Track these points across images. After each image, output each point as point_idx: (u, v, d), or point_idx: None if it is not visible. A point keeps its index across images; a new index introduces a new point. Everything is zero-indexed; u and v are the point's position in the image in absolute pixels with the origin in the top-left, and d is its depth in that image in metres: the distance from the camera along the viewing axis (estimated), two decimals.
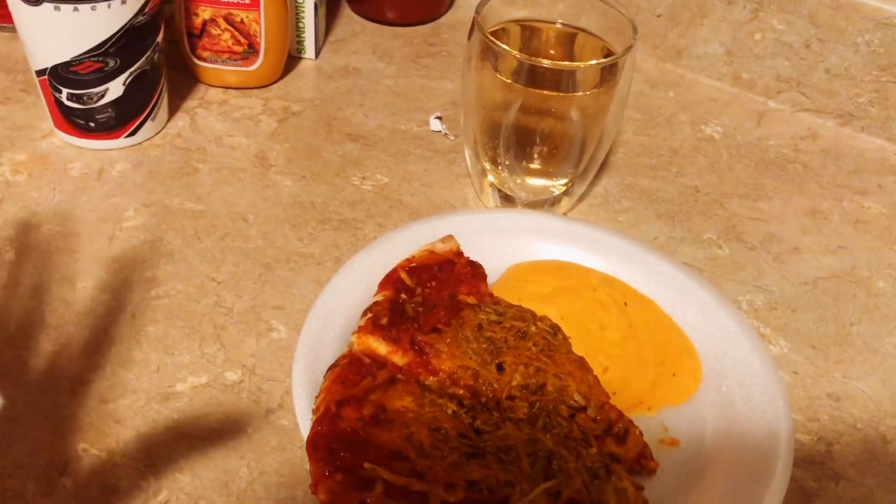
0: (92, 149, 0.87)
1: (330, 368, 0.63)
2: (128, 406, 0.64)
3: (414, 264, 0.72)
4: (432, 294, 0.71)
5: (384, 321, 0.66)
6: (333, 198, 0.85)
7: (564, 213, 0.87)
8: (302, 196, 0.85)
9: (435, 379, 0.65)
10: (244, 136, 0.92)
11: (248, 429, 0.64)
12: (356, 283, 0.71)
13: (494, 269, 0.77)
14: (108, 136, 0.86)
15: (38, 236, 0.77)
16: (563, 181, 0.84)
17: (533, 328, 0.69)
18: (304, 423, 0.59)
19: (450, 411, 0.62)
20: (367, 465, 0.55)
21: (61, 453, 0.61)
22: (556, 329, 0.70)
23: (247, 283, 0.75)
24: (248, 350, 0.69)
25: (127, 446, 0.62)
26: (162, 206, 0.82)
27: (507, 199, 0.87)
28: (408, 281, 0.70)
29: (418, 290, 0.70)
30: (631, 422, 0.65)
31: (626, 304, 0.75)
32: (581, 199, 0.89)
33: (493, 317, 0.70)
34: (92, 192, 0.82)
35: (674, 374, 0.70)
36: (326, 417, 0.58)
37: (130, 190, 0.83)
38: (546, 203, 0.87)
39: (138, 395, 0.65)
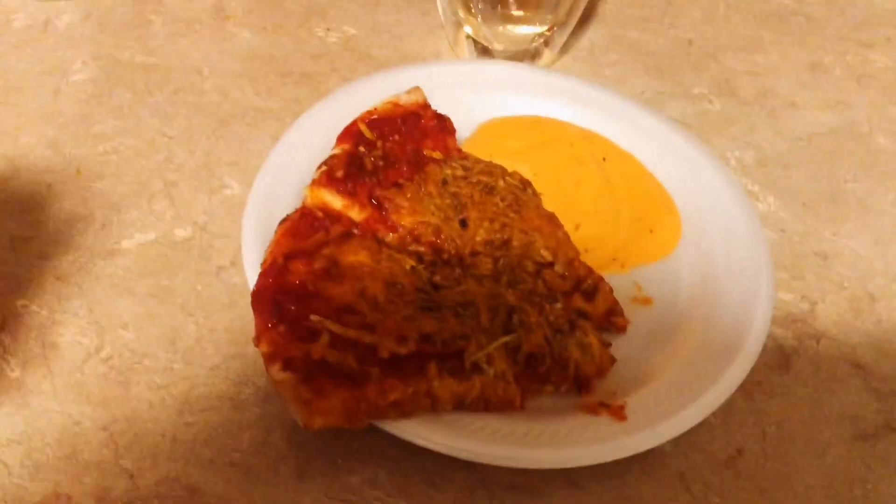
0: None
1: (281, 223, 0.59)
2: (70, 262, 0.61)
3: (375, 116, 0.67)
4: (394, 148, 0.66)
5: (339, 174, 0.62)
6: (296, 51, 0.79)
7: (546, 67, 0.81)
8: (261, 49, 0.79)
9: (395, 235, 0.61)
10: None
11: (198, 286, 0.61)
12: (313, 137, 0.66)
13: (466, 125, 0.72)
14: None
15: None
16: (543, 28, 0.77)
17: (501, 183, 0.65)
18: (253, 278, 0.56)
19: (408, 266, 0.58)
20: (313, 317, 0.52)
21: (0, 309, 0.58)
22: (525, 184, 0.66)
23: (200, 139, 0.70)
24: (199, 207, 0.66)
25: (69, 303, 0.59)
26: (111, 60, 0.76)
27: (484, 53, 0.81)
28: (368, 133, 0.66)
29: (379, 144, 0.65)
30: (601, 278, 0.62)
31: (604, 159, 0.70)
32: (564, 51, 0.82)
33: (459, 172, 0.65)
34: (37, 45, 0.77)
35: (651, 231, 0.66)
36: (272, 270, 0.55)
37: (78, 43, 0.78)
38: (526, 56, 0.81)
39: (82, 251, 0.62)
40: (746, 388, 0.59)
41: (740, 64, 0.83)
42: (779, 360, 0.61)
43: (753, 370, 0.59)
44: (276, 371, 0.49)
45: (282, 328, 0.51)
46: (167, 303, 0.59)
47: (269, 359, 0.50)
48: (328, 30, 0.81)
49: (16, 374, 0.55)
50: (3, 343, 0.56)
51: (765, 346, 0.60)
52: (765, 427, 0.57)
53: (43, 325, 0.57)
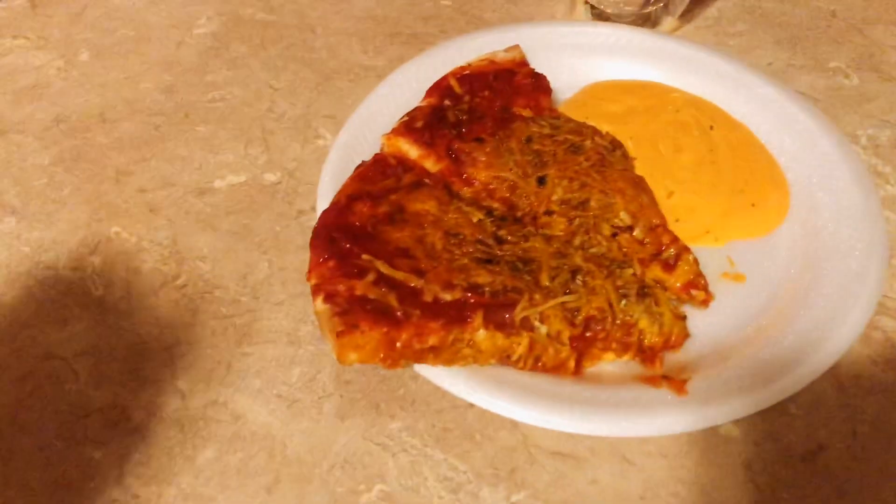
0: None
1: (356, 168, 0.59)
2: (164, 196, 0.64)
3: (468, 72, 0.66)
4: (482, 103, 0.64)
5: (419, 124, 0.61)
6: (408, 12, 0.79)
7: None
8: (376, 10, 0.80)
9: (469, 189, 0.60)
10: None
11: (277, 227, 0.62)
12: (404, 90, 0.66)
13: (569, 88, 0.70)
14: None
15: (112, 39, 0.77)
16: None
17: (588, 143, 0.62)
18: None
19: (475, 219, 0.57)
20: (365, 256, 0.51)
21: (96, 234, 0.62)
22: (616, 145, 0.62)
23: (303, 92, 0.72)
24: (291, 154, 0.67)
25: (157, 233, 0.62)
26: (234, 16, 0.80)
27: (601, 18, 0.77)
28: (457, 88, 0.65)
29: (466, 98, 0.64)
30: (686, 248, 0.57)
31: (712, 127, 0.65)
32: (688, 19, 0.77)
33: (547, 130, 0.63)
34: (170, 1, 0.82)
35: (752, 205, 0.61)
36: (334, 208, 0.55)
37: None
38: (646, 23, 0.77)
39: (176, 187, 0.65)
40: (841, 381, 0.52)
41: (890, 37, 0.75)
42: (886, 354, 0.54)
43: (854, 363, 0.53)
44: (318, 303, 0.49)
45: (332, 263, 0.51)
46: (246, 240, 0.61)
47: (314, 290, 0.50)
48: None
49: (99, 292, 0.58)
50: (93, 264, 0.60)
51: (870, 337, 0.54)
52: (856, 425, 0.51)
53: (130, 252, 0.61)
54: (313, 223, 0.61)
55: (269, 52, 0.76)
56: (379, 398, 0.53)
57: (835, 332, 0.51)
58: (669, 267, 0.56)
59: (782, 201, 0.61)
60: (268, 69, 0.74)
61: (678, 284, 0.56)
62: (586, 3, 0.77)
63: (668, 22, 0.76)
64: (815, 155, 0.62)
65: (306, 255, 0.58)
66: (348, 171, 0.60)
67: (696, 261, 0.56)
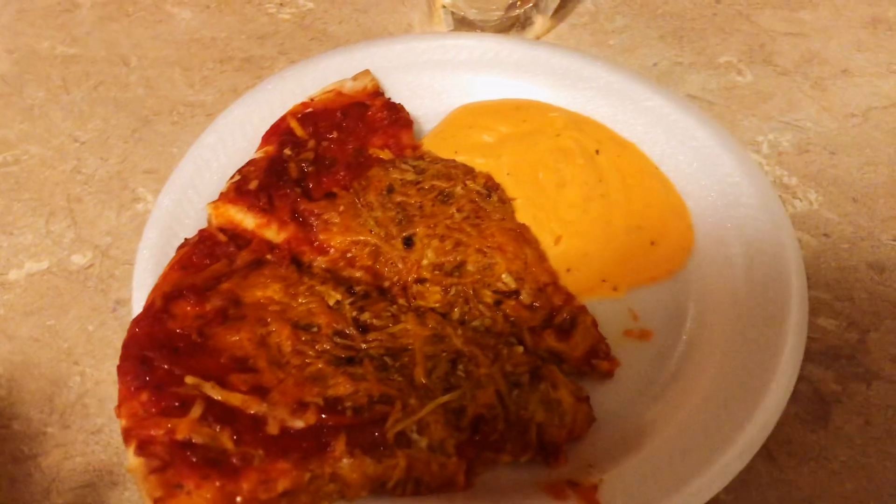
0: None
1: (177, 249, 0.48)
2: None
3: (311, 109, 0.55)
4: (332, 147, 0.54)
5: (253, 185, 0.50)
6: (240, 31, 0.68)
7: (537, 38, 0.68)
8: (201, 31, 0.68)
9: (324, 259, 0.49)
10: None
11: (90, 326, 0.50)
12: (235, 136, 0.55)
13: (433, 114, 0.60)
14: None
15: None
16: None
17: (459, 189, 0.52)
18: None
19: (332, 302, 0.47)
20: (188, 379, 0.41)
21: None
22: (491, 188, 0.53)
23: (116, 143, 0.60)
24: (104, 226, 0.55)
25: None
26: (28, 51, 0.66)
27: (463, 25, 0.68)
28: (298, 131, 0.54)
29: (311, 143, 0.53)
30: (582, 308, 0.49)
31: (598, 151, 0.56)
32: (561, 18, 0.69)
33: (410, 175, 0.53)
34: None
35: (652, 243, 0.53)
36: (148, 315, 0.44)
37: None
38: (514, 26, 0.67)
39: None
40: (770, 449, 0.46)
41: (780, 23, 0.68)
42: (815, 410, 0.47)
43: (781, 425, 0.45)
44: (131, 454, 0.38)
45: (144, 396, 0.40)
46: (51, 347, 0.49)
47: (125, 437, 0.39)
48: (281, 5, 0.70)
49: None
50: None
51: (796, 391, 0.47)
52: None
53: None
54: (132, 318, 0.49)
55: (72, 96, 0.63)
56: None
57: (762, 396, 0.44)
58: (565, 334, 0.48)
59: (685, 235, 0.53)
60: (72, 117, 0.61)
61: (577, 355, 0.47)
62: (445, 7, 0.67)
63: (541, 22, 0.67)
64: (715, 176, 0.54)
65: None
66: (171, 249, 0.49)
67: (594, 322, 0.48)
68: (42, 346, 0.49)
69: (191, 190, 0.52)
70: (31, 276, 0.53)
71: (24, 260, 0.54)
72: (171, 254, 0.48)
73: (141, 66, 0.65)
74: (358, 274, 0.49)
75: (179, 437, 0.38)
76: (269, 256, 0.48)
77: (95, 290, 0.52)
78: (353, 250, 0.49)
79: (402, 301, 0.48)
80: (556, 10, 0.68)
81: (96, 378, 0.48)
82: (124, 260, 0.53)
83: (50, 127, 0.61)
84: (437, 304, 0.48)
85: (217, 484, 0.37)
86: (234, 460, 0.38)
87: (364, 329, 0.46)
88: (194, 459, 0.38)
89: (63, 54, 0.66)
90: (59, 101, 0.62)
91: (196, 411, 0.39)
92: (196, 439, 0.38)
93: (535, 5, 0.66)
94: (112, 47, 0.66)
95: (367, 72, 0.58)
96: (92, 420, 0.47)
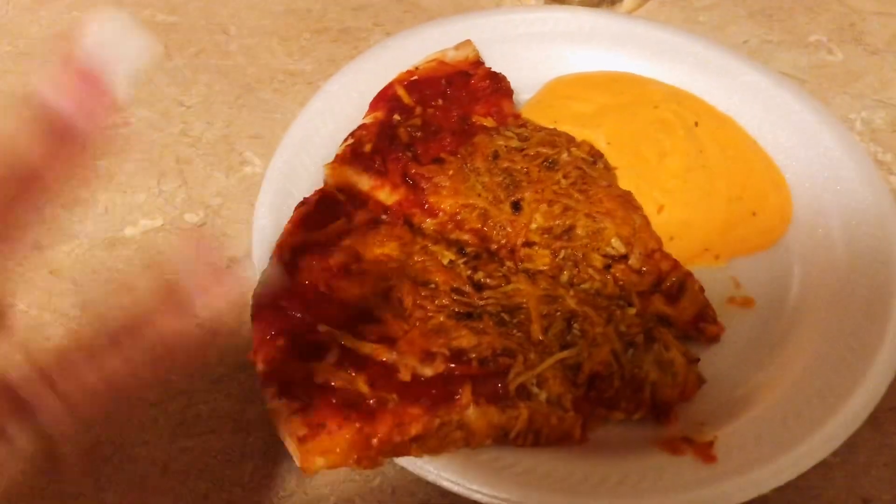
0: None
1: (297, 208, 0.50)
2: (67, 253, 0.53)
3: (416, 77, 0.57)
4: (437, 115, 0.55)
5: (368, 148, 0.52)
6: (335, 3, 0.69)
7: (628, 14, 0.68)
8: (296, 2, 0.69)
9: (433, 221, 0.51)
10: None
11: (205, 282, 0.52)
12: (343, 104, 0.56)
13: (530, 85, 0.61)
14: None
15: None
16: None
17: (565, 156, 0.53)
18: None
19: (446, 261, 0.48)
20: (321, 327, 0.42)
21: None
22: (596, 156, 0.54)
23: (220, 108, 0.61)
24: (214, 187, 0.57)
25: (61, 301, 0.51)
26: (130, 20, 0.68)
27: (555, 0, 0.68)
28: (405, 98, 0.55)
29: (418, 110, 0.55)
30: (689, 275, 0.50)
31: (696, 124, 0.57)
32: None
33: (515, 143, 0.54)
34: (51, 6, 0.69)
35: (753, 214, 0.53)
36: (278, 268, 0.45)
37: (96, 2, 0.69)
38: (604, 2, 0.68)
39: (80, 240, 0.54)
40: (876, 417, 0.46)
41: (869, 3, 0.68)
42: None
43: (886, 394, 0.46)
44: (270, 397, 0.40)
45: (281, 341, 0.42)
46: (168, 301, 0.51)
47: (264, 380, 0.41)
48: None
49: None
50: None
51: None
52: None
53: (30, 327, 0.50)
54: (249, 273, 0.51)
55: (175, 62, 0.65)
56: (352, 492, 0.44)
57: (871, 360, 0.45)
58: (673, 299, 0.49)
59: (784, 206, 0.54)
60: (176, 83, 0.63)
61: (685, 319, 0.48)
62: None
63: (631, 0, 0.68)
64: (814, 150, 0.55)
65: (245, 316, 0.48)
66: (286, 208, 0.50)
67: (701, 288, 0.49)
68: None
69: (302, 152, 0.54)
70: (147, 234, 0.54)
71: (138, 218, 0.55)
72: (287, 212, 0.50)
73: (240, 35, 0.66)
74: (466, 237, 0.50)
75: (318, 380, 0.40)
76: (383, 217, 0.50)
77: (209, 247, 0.54)
78: (462, 213, 0.51)
79: (509, 263, 0.49)
80: None
81: (213, 330, 0.50)
82: (236, 220, 0.55)
83: (155, 91, 0.62)
84: (545, 267, 0.49)
85: (357, 425, 0.39)
86: (371, 404, 0.40)
87: (479, 288, 0.47)
88: (334, 401, 0.39)
89: (164, 22, 0.68)
90: (162, 67, 0.64)
91: (332, 357, 0.41)
92: (334, 383, 0.40)
93: None
94: (210, 17, 0.68)
95: (468, 42, 0.59)
96: (213, 370, 0.48)
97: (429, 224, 0.51)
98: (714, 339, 0.49)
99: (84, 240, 0.54)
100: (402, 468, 0.44)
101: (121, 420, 0.46)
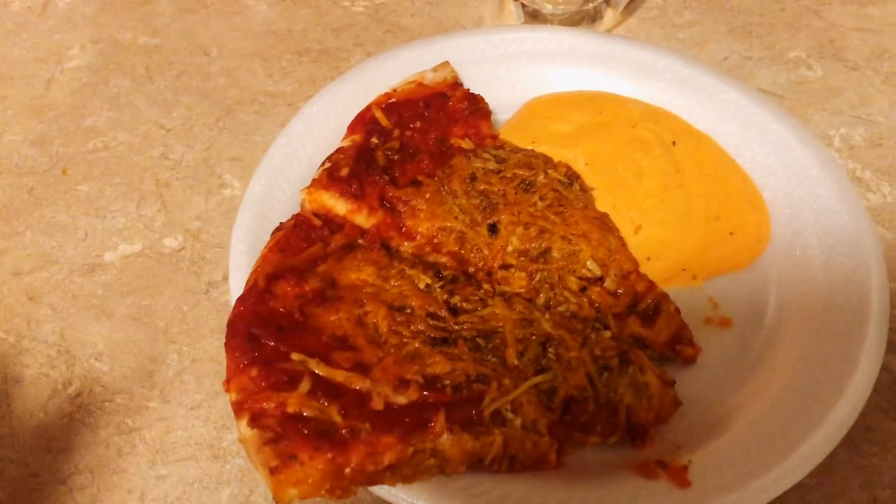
0: None
1: (273, 233, 0.50)
2: (46, 280, 0.54)
3: (394, 99, 0.57)
4: (415, 137, 0.55)
5: (344, 172, 0.52)
6: (316, 23, 0.69)
7: (607, 32, 0.69)
8: (278, 23, 0.69)
9: (410, 244, 0.51)
10: None
11: (184, 306, 0.52)
12: (321, 126, 0.57)
13: (509, 105, 0.61)
14: None
15: None
16: None
17: (541, 178, 0.53)
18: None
19: (422, 285, 0.48)
20: (294, 355, 0.42)
21: None
22: (572, 178, 0.54)
23: (201, 130, 0.62)
24: (193, 210, 0.57)
25: (40, 328, 0.51)
26: (112, 42, 0.68)
27: (534, 18, 0.69)
28: (383, 121, 0.55)
29: (396, 133, 0.55)
30: (665, 296, 0.50)
31: (674, 143, 0.57)
32: (629, 12, 0.70)
33: (492, 164, 0.54)
34: (33, 29, 0.70)
35: (731, 233, 0.54)
36: (252, 294, 0.45)
37: (78, 24, 0.70)
38: (584, 20, 0.68)
39: (59, 266, 0.54)
40: (852, 437, 0.46)
41: (848, 18, 0.68)
42: None
43: (863, 414, 0.46)
44: (243, 427, 0.40)
45: (254, 371, 0.42)
46: (148, 327, 0.51)
47: (236, 410, 0.41)
48: None
49: None
50: None
51: (878, 380, 0.48)
52: (875, 490, 0.45)
53: (7, 355, 0.50)
54: (226, 297, 0.52)
55: (156, 84, 0.65)
56: None
57: (847, 381, 0.45)
58: (649, 320, 0.49)
59: (761, 225, 0.54)
60: (157, 105, 0.63)
61: (661, 341, 0.48)
62: (517, 1, 0.68)
63: (611, 16, 0.68)
64: (792, 168, 0.55)
65: (221, 341, 0.49)
66: (263, 233, 0.50)
67: (677, 310, 0.49)
68: (140, 324, 0.51)
69: (280, 176, 0.54)
70: (126, 258, 0.55)
71: (117, 242, 0.56)
72: (264, 237, 0.50)
73: (221, 57, 0.67)
74: (443, 259, 0.50)
75: (290, 410, 0.40)
76: (360, 241, 0.50)
77: (188, 272, 0.54)
78: (440, 236, 0.51)
79: (486, 286, 0.49)
80: (626, 4, 0.69)
81: (193, 356, 0.50)
82: (215, 243, 0.55)
83: (136, 114, 0.63)
84: (521, 290, 0.49)
85: (329, 455, 0.39)
86: (343, 433, 0.40)
87: (454, 312, 0.47)
88: (306, 431, 0.39)
89: (145, 45, 0.68)
90: (143, 89, 0.64)
91: (305, 386, 0.41)
92: (306, 412, 0.40)
93: (607, 0, 0.67)
94: (192, 38, 0.68)
95: (446, 63, 0.59)
96: (191, 396, 0.48)
97: (406, 247, 0.51)
98: (691, 360, 0.49)
99: (63, 265, 0.54)
100: (377, 497, 0.44)
101: (99, 447, 0.46)
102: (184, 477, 0.45)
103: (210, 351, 0.50)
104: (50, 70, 0.66)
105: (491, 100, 0.59)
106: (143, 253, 0.55)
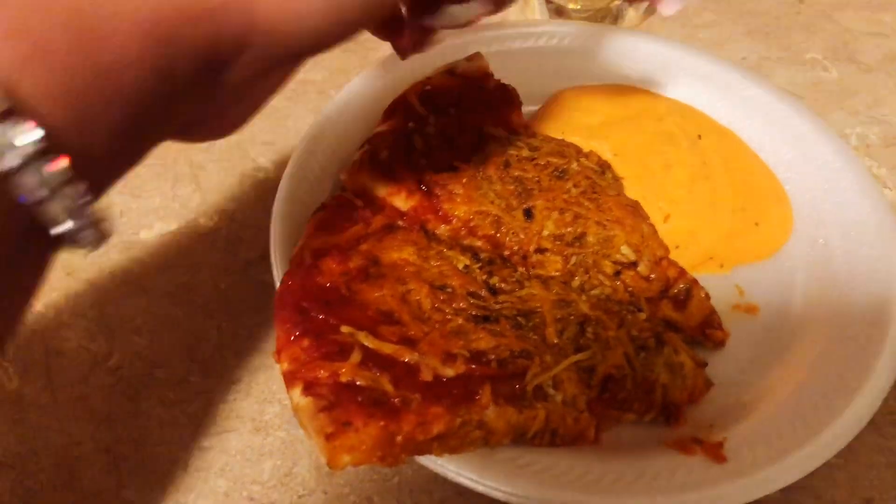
0: None
1: (315, 212, 0.51)
2: (82, 256, 0.54)
3: (429, 88, 0.58)
4: (450, 124, 0.57)
5: (384, 155, 0.53)
6: None
7: (631, 29, 0.70)
8: None
9: (447, 227, 0.52)
10: None
11: (222, 284, 0.53)
12: (356, 112, 0.58)
13: (537, 96, 0.63)
14: None
15: None
16: None
17: (574, 165, 0.55)
18: (282, 276, 0.48)
19: (461, 266, 0.49)
20: (344, 328, 0.43)
21: None
22: (604, 167, 0.56)
23: None
24: (228, 192, 0.58)
25: (77, 302, 0.52)
26: None
27: (558, 14, 0.70)
28: (419, 108, 0.56)
29: (432, 119, 0.56)
30: (695, 282, 0.51)
31: (700, 136, 0.59)
32: (651, 11, 0.71)
33: (526, 152, 0.55)
34: None
35: (756, 224, 0.55)
36: (300, 270, 0.46)
37: None
38: (607, 17, 0.70)
39: None
40: (876, 421, 0.47)
41: (862, 23, 0.71)
42: None
43: (886, 398, 0.48)
44: (297, 395, 0.41)
45: (306, 342, 0.42)
46: (186, 303, 0.52)
47: (289, 379, 0.41)
48: None
49: (13, 384, 0.48)
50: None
51: None
52: None
53: (48, 329, 0.50)
54: (265, 276, 0.53)
55: None
56: (370, 490, 0.45)
57: (872, 364, 0.46)
58: (680, 305, 0.50)
59: (785, 217, 0.56)
60: None
61: (692, 324, 0.50)
62: None
63: (632, 15, 0.70)
64: (813, 163, 0.57)
65: (261, 318, 0.50)
66: (303, 215, 0.51)
67: (707, 295, 0.51)
68: (178, 301, 0.52)
69: (315, 159, 0.55)
70: (162, 237, 0.55)
71: (153, 221, 0.56)
72: (302, 218, 0.51)
73: None
74: (479, 242, 0.52)
75: (343, 379, 0.41)
76: (399, 222, 0.51)
77: (225, 251, 0.55)
78: (476, 220, 0.52)
79: (521, 269, 0.51)
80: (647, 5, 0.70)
81: (232, 331, 0.51)
82: (250, 224, 0.56)
83: None
84: (556, 273, 0.50)
85: (381, 423, 0.39)
86: (395, 402, 0.40)
87: (494, 292, 0.48)
88: (360, 399, 0.40)
89: None
90: None
91: (356, 356, 0.42)
92: (359, 381, 0.41)
93: (629, 0, 0.69)
94: None
95: (479, 54, 0.60)
96: (231, 371, 0.49)
97: (442, 230, 0.52)
98: (720, 344, 0.50)
99: None
100: (420, 468, 0.45)
101: (141, 418, 0.47)
102: (226, 449, 0.46)
103: (249, 327, 0.51)
104: None
105: (520, 91, 0.60)
106: (179, 232, 0.55)
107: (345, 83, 0.62)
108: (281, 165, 0.59)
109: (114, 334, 0.50)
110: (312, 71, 0.65)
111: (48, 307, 0.51)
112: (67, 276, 0.53)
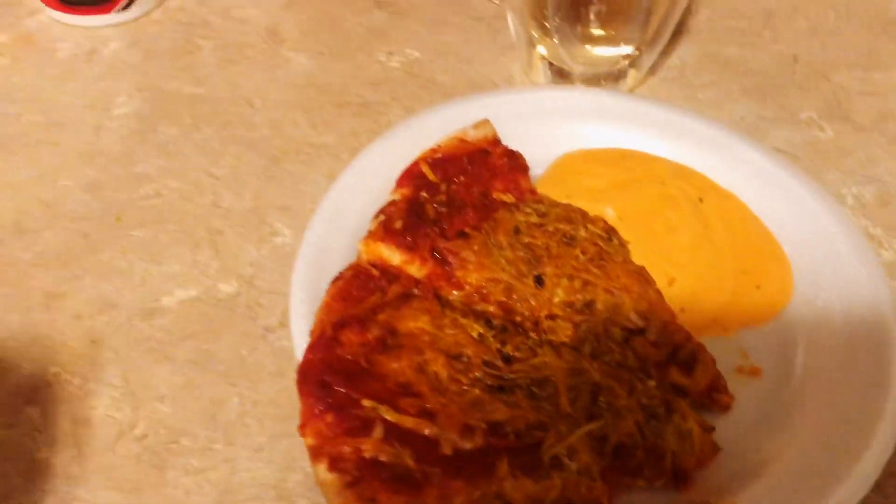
0: (82, 26, 0.76)
1: (333, 282, 0.52)
2: (106, 323, 0.56)
3: (439, 155, 0.60)
4: (460, 191, 0.59)
5: (398, 225, 0.55)
6: (354, 77, 0.72)
7: (630, 91, 0.73)
8: (317, 76, 0.72)
9: (459, 294, 0.54)
10: (254, 6, 0.79)
11: (243, 350, 0.55)
12: (371, 179, 0.59)
13: (541, 160, 0.64)
14: (99, 9, 0.74)
15: (17, 128, 0.67)
16: (628, 50, 0.69)
17: (582, 232, 0.57)
18: (301, 347, 0.49)
19: (475, 334, 0.51)
20: (365, 402, 0.45)
21: (30, 378, 0.53)
22: (610, 233, 0.58)
23: (249, 179, 0.64)
24: (246, 258, 0.59)
25: (104, 371, 0.53)
26: (157, 91, 0.71)
27: (560, 76, 0.73)
28: (430, 175, 0.58)
29: (443, 187, 0.58)
30: (701, 346, 0.53)
31: (701, 199, 0.61)
32: (651, 72, 0.74)
33: (534, 218, 0.57)
34: (80, 77, 0.72)
35: (757, 287, 0.57)
36: (321, 343, 0.48)
37: (123, 72, 0.72)
38: (608, 79, 0.72)
39: (119, 310, 0.56)
40: (878, 482, 0.49)
41: (855, 82, 0.73)
42: None
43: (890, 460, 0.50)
44: (322, 470, 0.42)
45: (329, 417, 0.44)
46: (208, 370, 0.53)
47: (314, 454, 0.43)
48: (390, 53, 0.74)
49: (42, 454, 0.49)
50: (31, 418, 0.51)
51: None
52: None
53: (74, 397, 0.52)
54: (284, 342, 0.54)
55: (203, 133, 0.68)
56: None
57: (874, 433, 0.48)
58: (687, 369, 0.52)
59: (785, 279, 0.58)
60: (205, 153, 0.66)
61: (699, 389, 0.51)
62: (543, 59, 0.72)
63: (633, 76, 0.72)
64: (811, 226, 0.59)
65: (282, 384, 0.52)
66: (321, 283, 0.53)
67: (713, 359, 0.53)
68: (200, 368, 0.54)
69: (333, 227, 0.57)
70: (183, 303, 0.57)
71: (173, 288, 0.58)
72: (320, 285, 0.53)
73: (265, 108, 0.70)
74: (491, 308, 0.53)
75: (367, 455, 0.42)
76: (415, 290, 0.53)
77: (245, 317, 0.56)
78: (488, 286, 0.54)
79: (533, 335, 0.52)
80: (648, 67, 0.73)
81: (254, 399, 0.52)
82: (269, 290, 0.58)
83: (185, 162, 0.65)
84: (567, 339, 0.52)
85: (405, 499, 0.41)
86: (417, 477, 0.42)
87: (508, 360, 0.50)
88: (383, 476, 0.42)
89: (190, 94, 0.71)
90: (191, 138, 0.67)
91: (378, 432, 0.43)
92: (382, 457, 0.42)
93: (631, 63, 0.71)
94: (235, 89, 0.71)
95: (486, 121, 0.62)
96: (254, 438, 0.51)
97: (455, 297, 0.54)
98: (726, 408, 0.52)
99: (123, 309, 0.56)
100: None
101: (167, 487, 0.48)
102: None
103: (270, 394, 0.53)
104: (98, 117, 0.69)
105: (525, 155, 0.62)
106: (199, 298, 0.57)
107: (357, 146, 0.64)
108: (297, 229, 0.61)
109: (139, 403, 0.52)
110: (325, 135, 0.67)
111: (74, 375, 0.53)
112: (92, 343, 0.54)
